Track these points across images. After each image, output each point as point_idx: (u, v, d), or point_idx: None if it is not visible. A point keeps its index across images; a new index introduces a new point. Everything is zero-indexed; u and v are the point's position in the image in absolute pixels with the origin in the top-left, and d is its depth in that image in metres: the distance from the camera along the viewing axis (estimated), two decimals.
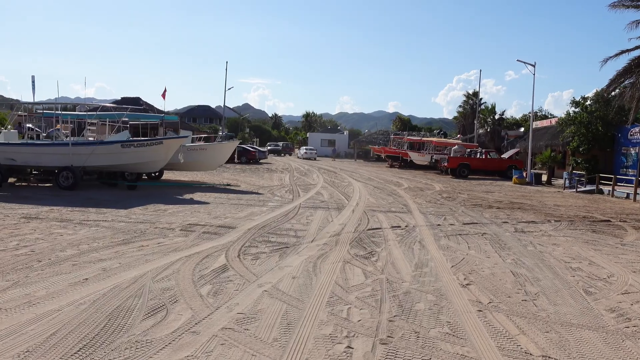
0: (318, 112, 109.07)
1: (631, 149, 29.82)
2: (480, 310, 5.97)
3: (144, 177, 22.74)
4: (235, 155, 32.79)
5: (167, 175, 24.55)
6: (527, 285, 7.27)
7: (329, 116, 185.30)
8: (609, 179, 27.64)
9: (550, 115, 62.74)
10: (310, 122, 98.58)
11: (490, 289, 6.97)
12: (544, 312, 6.04)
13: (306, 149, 63.09)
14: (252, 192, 19.10)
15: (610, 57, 20.89)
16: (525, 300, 6.51)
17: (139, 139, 18.38)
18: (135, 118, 22.08)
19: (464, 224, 13.17)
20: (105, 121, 19.83)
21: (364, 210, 14.96)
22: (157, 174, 22.87)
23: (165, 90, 22.97)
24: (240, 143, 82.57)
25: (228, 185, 21.75)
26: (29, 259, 7.45)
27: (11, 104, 21.62)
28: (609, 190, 26.24)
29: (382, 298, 6.26)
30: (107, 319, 5.10)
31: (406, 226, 12.28)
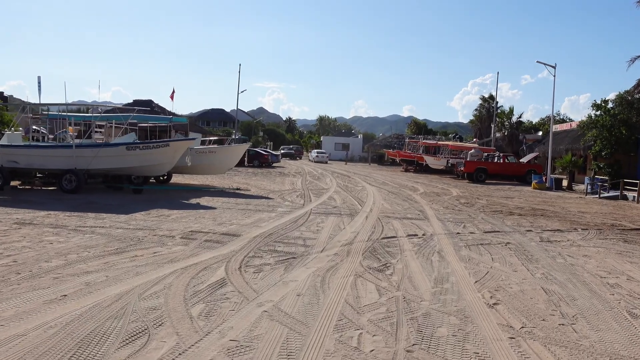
0: (332, 116, 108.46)
1: None
2: (512, 338, 5.16)
3: (152, 180, 22.17)
4: (246, 159, 31.85)
5: (176, 179, 23.95)
6: (562, 305, 6.43)
7: (343, 120, 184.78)
8: (634, 185, 26.53)
9: (568, 119, 61.50)
10: (325, 125, 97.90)
11: (521, 309, 6.15)
12: (586, 340, 5.21)
13: (317, 152, 62.90)
14: (261, 197, 18.39)
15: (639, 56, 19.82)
16: (562, 324, 5.68)
17: (145, 141, 17.75)
18: (143, 120, 21.49)
19: (485, 232, 12.32)
20: (113, 123, 19.25)
21: (378, 216, 14.16)
22: (165, 177, 22.28)
23: (173, 92, 22.40)
24: (253, 146, 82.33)
25: (237, 189, 21.07)
26: (7, 270, 6.77)
27: (22, 106, 21.06)
28: (634, 197, 25.14)
29: (398, 321, 5.47)
30: (76, 347, 4.37)
31: (423, 234, 11.46)
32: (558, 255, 9.81)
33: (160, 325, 4.99)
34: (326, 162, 57.91)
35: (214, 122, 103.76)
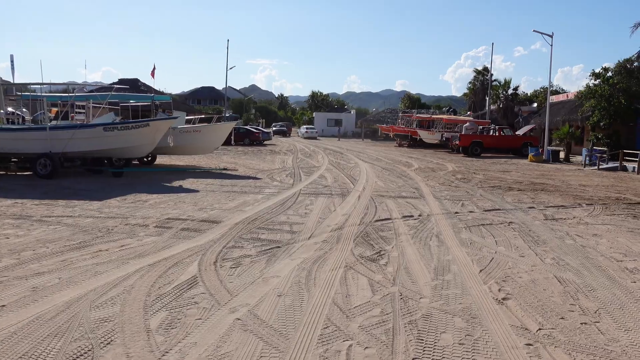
0: (326, 92, 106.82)
1: None
2: (529, 344, 4.37)
3: (136, 162, 21.22)
4: (232, 138, 30.43)
5: (162, 160, 23.00)
6: (580, 298, 5.65)
7: (336, 96, 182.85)
8: (633, 155, 25.80)
9: (562, 90, 60.34)
10: (317, 101, 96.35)
11: (535, 305, 5.36)
12: (616, 345, 4.43)
13: (307, 128, 63.53)
14: (249, 177, 17.51)
15: None
16: (585, 323, 4.90)
17: (123, 121, 16.75)
18: (123, 99, 20.43)
19: (485, 210, 11.53)
20: (91, 103, 18.18)
21: (371, 196, 13.34)
22: (149, 158, 21.34)
23: (154, 69, 21.29)
24: (245, 124, 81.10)
25: (224, 169, 20.16)
26: None
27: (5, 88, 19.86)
28: (634, 167, 24.42)
29: (395, 327, 4.66)
30: None
31: (419, 215, 10.65)
32: (566, 235, 9.03)
33: (109, 343, 4.15)
34: (316, 138, 58.66)
35: (204, 100, 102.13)
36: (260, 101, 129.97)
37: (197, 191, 13.69)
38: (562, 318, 5.01)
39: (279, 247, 7.71)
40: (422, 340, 4.40)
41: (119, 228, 8.72)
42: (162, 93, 31.28)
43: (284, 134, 67.37)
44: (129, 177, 16.75)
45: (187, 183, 15.43)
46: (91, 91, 19.87)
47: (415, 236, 8.62)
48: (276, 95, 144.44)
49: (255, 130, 43.74)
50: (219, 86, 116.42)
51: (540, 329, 4.71)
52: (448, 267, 6.76)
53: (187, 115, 24.62)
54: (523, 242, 8.39)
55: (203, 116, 21.72)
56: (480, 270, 6.61)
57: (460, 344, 4.35)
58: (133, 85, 40.02)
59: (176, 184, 15.32)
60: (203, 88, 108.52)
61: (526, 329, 4.71)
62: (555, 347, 4.34)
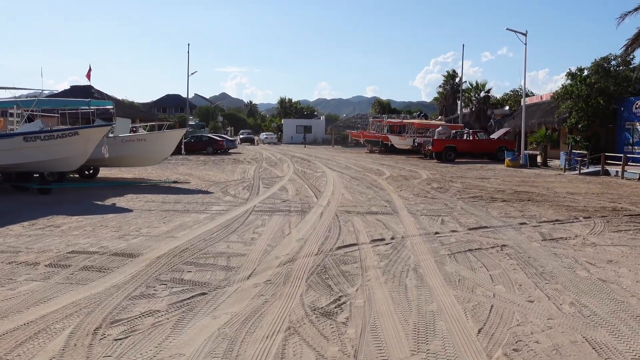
0: (297, 98, 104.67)
1: (637, 124, 26.61)
2: None
3: (76, 176, 18.90)
4: (182, 147, 27.11)
5: (109, 173, 20.68)
6: None
7: (307, 102, 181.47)
8: (616, 159, 24.46)
9: (532, 93, 59.50)
10: (286, 108, 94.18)
11: None
12: None
13: (266, 134, 71.70)
14: (199, 192, 15.39)
15: (630, 12, 17.37)
16: None
17: (46, 130, 14.43)
18: (56, 105, 18.06)
19: (470, 229, 9.66)
20: (15, 109, 15.83)
21: (336, 212, 11.38)
22: (91, 171, 19.03)
23: (90, 70, 19.00)
24: (215, 132, 78.58)
25: (175, 182, 17.96)
26: None
27: None
28: (617, 171, 23.03)
29: None
30: None
31: (392, 238, 8.72)
32: (575, 263, 7.19)
33: None
34: (276, 143, 65.22)
35: (170, 108, 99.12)
36: (229, 109, 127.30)
37: (130, 211, 11.53)
38: None
39: (204, 293, 5.68)
40: None
41: None
42: (106, 98, 28.63)
43: (252, 141, 65.43)
44: (57, 194, 14.44)
45: (123, 200, 13.24)
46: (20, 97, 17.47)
47: (387, 271, 6.66)
48: (246, 103, 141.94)
49: (219, 139, 41.49)
50: (185, 94, 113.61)
51: None
52: (433, 324, 4.81)
53: (138, 123, 22.29)
54: (525, 276, 6.50)
55: (153, 123, 19.28)
56: (479, 330, 4.67)
57: None
58: (86, 92, 37.36)
59: (109, 201, 13.11)
60: (168, 96, 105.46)
61: None
62: None
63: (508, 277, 6.46)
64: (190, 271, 6.59)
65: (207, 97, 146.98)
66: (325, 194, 14.72)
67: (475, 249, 7.95)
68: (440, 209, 12.10)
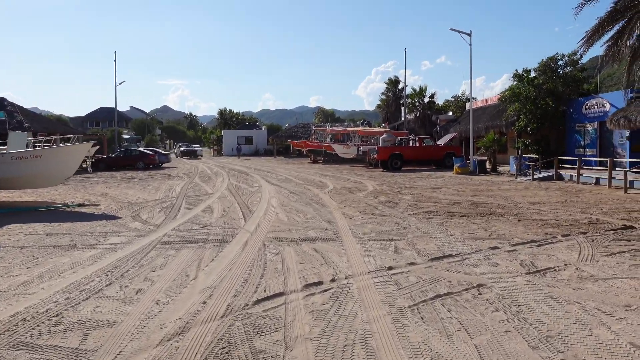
0: (241, 110, 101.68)
1: (588, 125, 25.62)
2: None
3: None
4: (88, 164, 23.29)
5: (5, 196, 17.59)
6: None
7: (251, 114, 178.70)
8: (570, 162, 23.34)
9: (474, 98, 59.07)
10: (226, 119, 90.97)
11: None
12: None
13: (183, 145, 69.31)
14: (104, 217, 12.73)
15: (588, 0, 15.98)
16: None
17: None
18: None
19: (432, 259, 7.57)
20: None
21: (265, 240, 9.09)
22: None
23: None
24: (151, 145, 74.48)
25: (80, 205, 15.17)
26: None
27: None
28: (571, 176, 21.82)
29: None
30: None
31: (332, 280, 6.50)
32: (584, 312, 5.18)
33: None
34: (197, 157, 59.59)
35: (103, 122, 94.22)
36: (168, 121, 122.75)
37: None
38: None
39: None
40: None
41: None
42: (18, 111, 25.24)
43: (194, 154, 61.21)
44: None
45: (0, 233, 10.47)
46: None
47: (322, 347, 4.41)
48: (186, 115, 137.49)
49: (150, 153, 38.35)
50: (120, 107, 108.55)
51: None
52: None
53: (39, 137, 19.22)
54: (527, 344, 4.40)
55: (56, 137, 16.30)
56: None
57: None
58: None
59: None
60: (102, 109, 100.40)
61: None
62: None
63: (501, 347, 4.34)
64: None
65: (147, 111, 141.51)
66: (256, 215, 12.41)
67: (445, 295, 5.83)
68: (391, 230, 10.00)
